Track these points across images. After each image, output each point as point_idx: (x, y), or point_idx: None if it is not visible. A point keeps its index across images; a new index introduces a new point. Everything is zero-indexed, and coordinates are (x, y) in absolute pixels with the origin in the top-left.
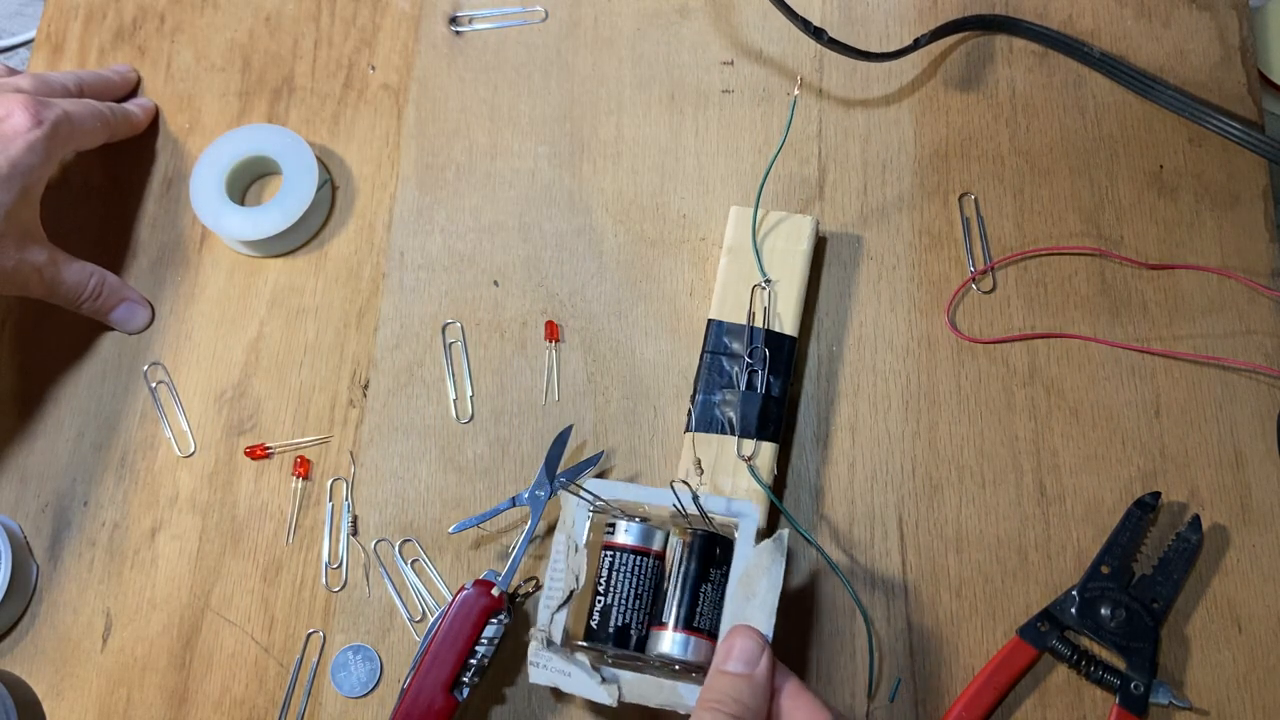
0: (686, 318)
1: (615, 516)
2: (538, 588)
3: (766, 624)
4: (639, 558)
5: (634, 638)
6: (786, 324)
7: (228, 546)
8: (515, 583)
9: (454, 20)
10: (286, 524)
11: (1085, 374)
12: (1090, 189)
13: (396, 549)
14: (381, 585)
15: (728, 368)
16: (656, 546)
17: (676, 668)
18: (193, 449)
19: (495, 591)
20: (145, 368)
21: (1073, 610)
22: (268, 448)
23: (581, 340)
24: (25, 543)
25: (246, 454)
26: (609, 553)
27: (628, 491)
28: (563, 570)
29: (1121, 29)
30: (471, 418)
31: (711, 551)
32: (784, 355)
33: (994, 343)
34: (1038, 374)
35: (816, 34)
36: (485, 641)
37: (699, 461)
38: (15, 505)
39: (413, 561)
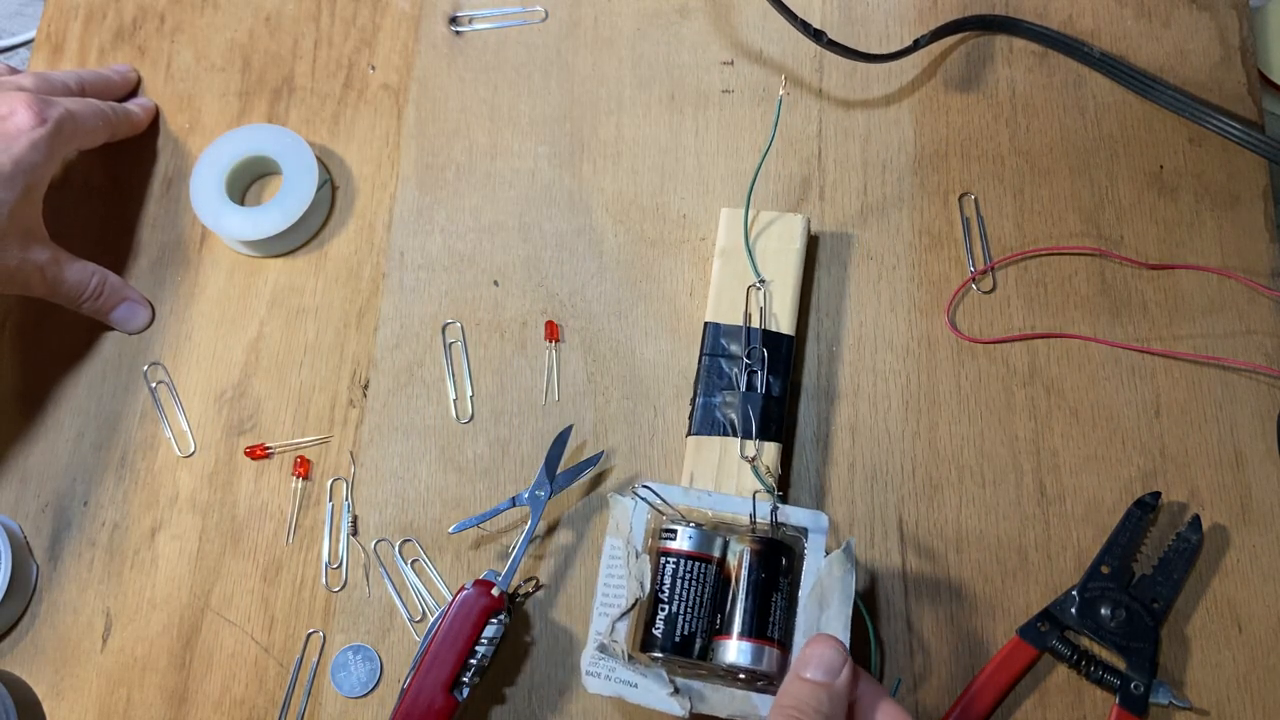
0: (686, 318)
1: (673, 521)
2: (538, 588)
3: (843, 634)
4: (702, 564)
5: (698, 647)
6: (783, 323)
7: (228, 546)
8: (515, 583)
9: (454, 20)
10: (286, 524)
11: (1085, 374)
12: (1090, 189)
13: (396, 549)
14: (381, 585)
15: (727, 369)
16: (716, 553)
17: (741, 677)
18: (193, 449)
19: (495, 591)
20: (145, 368)
21: (1073, 610)
22: (268, 448)
23: (581, 340)
24: (25, 543)
25: (246, 454)
26: (670, 559)
27: (698, 499)
28: (622, 577)
29: (1121, 29)
30: (471, 418)
31: (779, 560)
32: (782, 354)
33: (994, 343)
34: (1038, 374)
35: (816, 36)
36: (485, 641)
37: (769, 469)
38: (15, 505)
39: (413, 561)
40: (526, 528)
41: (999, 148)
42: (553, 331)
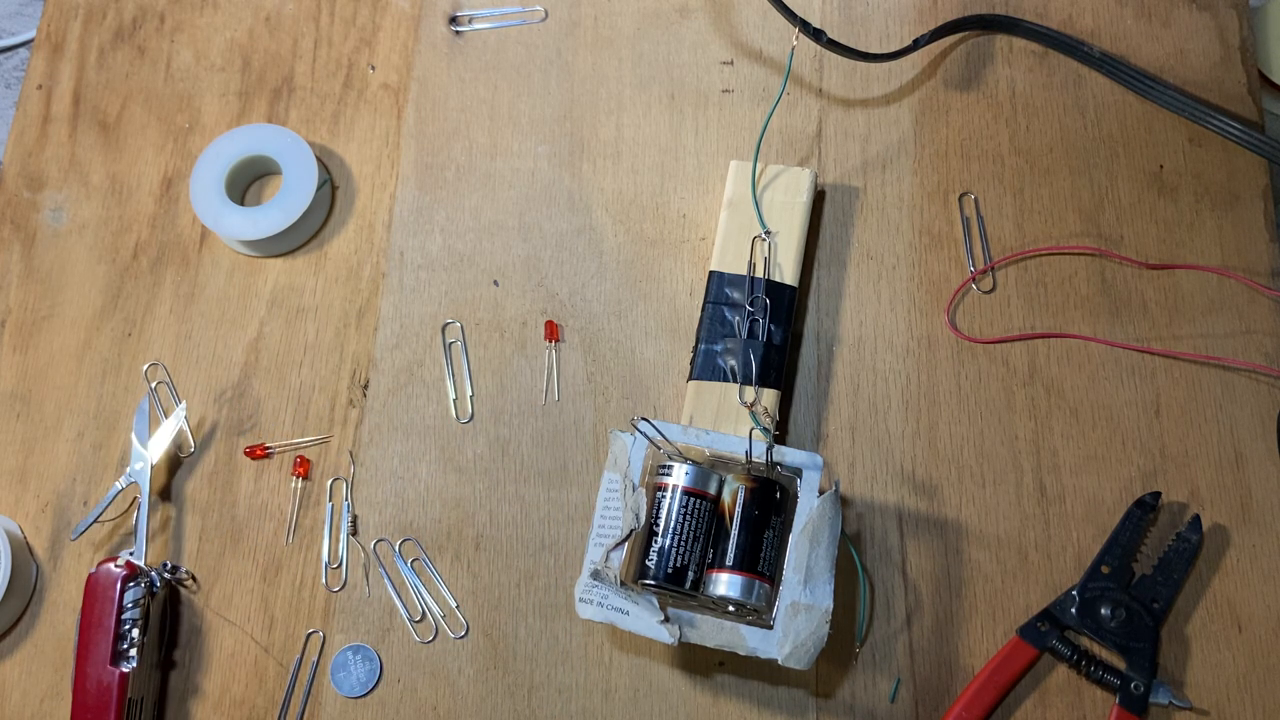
0: (686, 318)
1: (671, 458)
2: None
3: (829, 570)
4: (697, 500)
5: (690, 579)
6: (787, 274)
7: (228, 546)
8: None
9: (454, 20)
10: (286, 524)
11: (1085, 374)
12: (1090, 189)
13: (396, 549)
14: (381, 585)
15: (729, 317)
16: (712, 490)
17: (731, 609)
18: (193, 449)
19: (120, 562)
20: (145, 368)
21: (1073, 610)
22: (267, 447)
23: (581, 340)
24: (25, 543)
25: (246, 454)
26: (665, 494)
27: (696, 437)
28: (618, 509)
29: (1121, 29)
30: (471, 418)
31: (773, 498)
32: (784, 304)
33: (994, 343)
34: (1038, 374)
35: (816, 35)
36: (131, 606)
37: (766, 410)
38: (15, 505)
39: (413, 561)
40: (141, 501)
41: (999, 148)
42: (553, 331)
